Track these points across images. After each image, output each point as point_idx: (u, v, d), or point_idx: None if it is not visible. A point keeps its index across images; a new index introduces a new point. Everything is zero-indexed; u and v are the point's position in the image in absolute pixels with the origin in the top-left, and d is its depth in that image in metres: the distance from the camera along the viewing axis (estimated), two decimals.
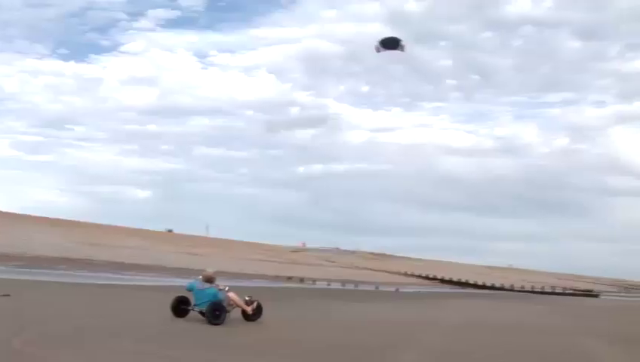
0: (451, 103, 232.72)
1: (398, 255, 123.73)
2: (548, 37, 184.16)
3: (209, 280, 13.41)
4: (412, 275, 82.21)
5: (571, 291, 74.91)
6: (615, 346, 13.86)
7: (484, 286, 69.79)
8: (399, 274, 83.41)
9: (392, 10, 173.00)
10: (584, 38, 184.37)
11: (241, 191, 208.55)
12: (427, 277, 79.43)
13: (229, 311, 13.27)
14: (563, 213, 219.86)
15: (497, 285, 70.52)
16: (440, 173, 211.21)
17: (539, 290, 68.58)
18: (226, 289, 13.52)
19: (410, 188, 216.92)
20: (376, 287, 50.53)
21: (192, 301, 13.35)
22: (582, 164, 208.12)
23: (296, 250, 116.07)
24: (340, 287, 47.77)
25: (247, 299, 13.86)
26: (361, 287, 49.31)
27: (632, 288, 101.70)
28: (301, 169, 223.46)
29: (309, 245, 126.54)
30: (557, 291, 71.43)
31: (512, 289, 66.71)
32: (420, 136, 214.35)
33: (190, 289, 13.47)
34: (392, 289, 49.87)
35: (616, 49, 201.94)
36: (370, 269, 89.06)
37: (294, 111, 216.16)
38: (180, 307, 13.34)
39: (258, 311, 13.97)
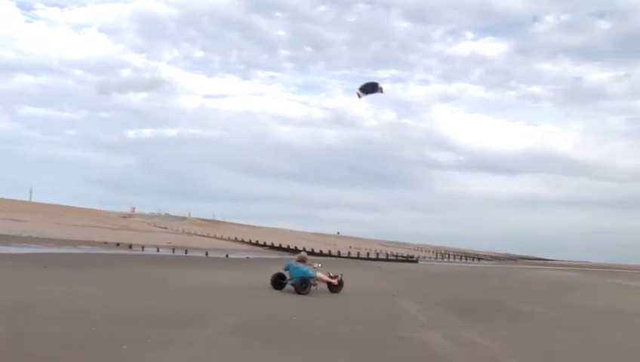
0: (285, 73, 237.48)
1: (229, 221, 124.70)
2: (380, 15, 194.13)
3: (302, 260, 17.74)
4: (242, 241, 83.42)
5: (394, 257, 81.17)
6: (425, 306, 15.56)
7: (312, 253, 72.86)
8: (230, 240, 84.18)
9: None
10: (413, 20, 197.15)
11: (68, 154, 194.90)
12: (257, 244, 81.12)
13: (315, 285, 17.23)
14: (389, 183, 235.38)
15: (325, 251, 74.03)
16: (273, 142, 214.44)
17: (364, 256, 73.35)
18: (319, 266, 18.20)
19: (242, 156, 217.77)
20: (206, 253, 50.69)
21: (288, 276, 17.37)
22: (407, 138, 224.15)
23: (125, 216, 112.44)
24: (170, 254, 47.36)
25: (330, 275, 17.87)
26: (191, 253, 49.20)
27: (448, 254, 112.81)
28: (132, 133, 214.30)
29: (139, 211, 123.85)
30: (381, 257, 76.96)
31: (339, 256, 70.51)
32: (254, 104, 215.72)
33: (287, 268, 17.64)
34: (223, 255, 50.33)
35: (440, 33, 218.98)
36: (201, 235, 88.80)
37: (126, 73, 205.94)
38: (278, 281, 17.56)
39: (340, 284, 17.85)
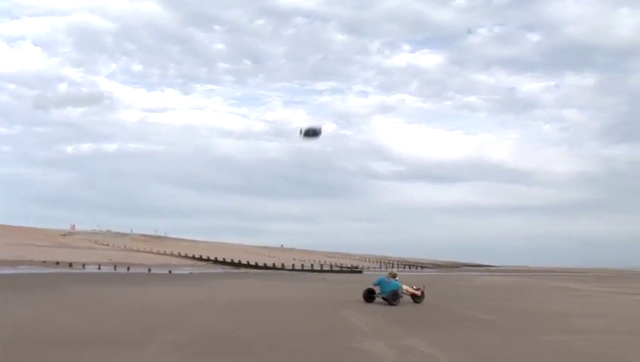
0: (224, 87, 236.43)
1: (172, 236, 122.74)
2: (318, 28, 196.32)
3: (393, 276, 20.49)
4: (186, 256, 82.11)
5: (339, 268, 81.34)
6: (369, 316, 15.66)
7: (256, 266, 72.35)
8: (173, 255, 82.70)
9: None
10: (350, 33, 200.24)
11: (3, 171, 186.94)
12: (200, 258, 79.94)
13: (401, 297, 19.45)
14: (331, 194, 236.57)
15: (270, 264, 73.69)
16: (214, 155, 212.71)
17: (309, 268, 73.28)
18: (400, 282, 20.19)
19: (184, 170, 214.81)
20: (149, 270, 49.67)
21: (377, 291, 19.75)
22: (347, 149, 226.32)
23: (65, 234, 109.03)
24: (112, 271, 46.24)
25: (414, 287, 20.48)
26: (133, 270, 48.12)
27: (392, 263, 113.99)
28: (70, 148, 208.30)
29: (79, 228, 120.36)
30: (326, 268, 76.95)
31: (283, 268, 70.32)
32: (194, 118, 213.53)
33: (378, 283, 20.00)
34: (166, 271, 49.44)
35: (377, 45, 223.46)
36: (144, 251, 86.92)
37: (63, 87, 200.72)
38: (370, 295, 19.96)
39: (422, 295, 20.34)
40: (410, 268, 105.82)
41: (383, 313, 16.65)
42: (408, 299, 19.91)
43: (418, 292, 20.32)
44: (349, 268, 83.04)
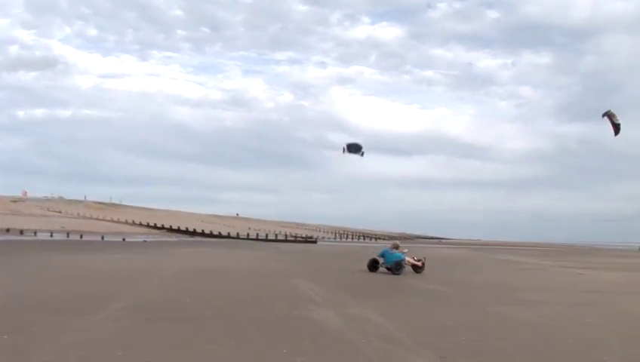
0: (182, 54, 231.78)
1: (126, 204, 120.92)
2: None
3: (396, 247, 21.59)
4: (140, 225, 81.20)
5: (293, 238, 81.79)
6: (321, 285, 15.82)
7: (211, 235, 72.14)
8: (127, 223, 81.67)
9: None
10: (310, 3, 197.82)
11: None
12: (155, 226, 79.22)
13: (404, 268, 20.51)
14: (288, 165, 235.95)
15: (224, 233, 73.48)
16: (170, 123, 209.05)
17: (263, 238, 73.39)
18: (406, 250, 21.90)
19: (140, 137, 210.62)
20: (102, 237, 48.96)
21: (381, 261, 20.88)
22: (305, 120, 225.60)
23: (16, 200, 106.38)
24: (65, 239, 45.38)
25: (415, 259, 21.49)
26: (87, 238, 47.38)
27: (347, 234, 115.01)
28: (22, 113, 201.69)
29: (31, 195, 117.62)
30: (280, 238, 77.26)
31: (238, 238, 70.24)
32: (151, 85, 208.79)
33: (382, 254, 21.13)
34: (120, 239, 48.84)
35: (337, 17, 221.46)
36: (98, 219, 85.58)
37: (14, 50, 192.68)
38: (374, 265, 21.02)
39: (423, 266, 21.19)
40: (364, 238, 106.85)
41: (335, 282, 16.81)
42: (409, 269, 20.88)
43: (419, 263, 21.25)
44: (303, 238, 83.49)
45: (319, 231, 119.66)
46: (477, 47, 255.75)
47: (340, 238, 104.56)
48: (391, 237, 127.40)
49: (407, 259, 21.02)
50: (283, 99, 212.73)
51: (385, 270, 20.59)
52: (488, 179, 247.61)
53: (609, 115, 23.10)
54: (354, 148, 24.84)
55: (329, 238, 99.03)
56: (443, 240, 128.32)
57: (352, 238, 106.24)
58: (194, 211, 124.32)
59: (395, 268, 20.23)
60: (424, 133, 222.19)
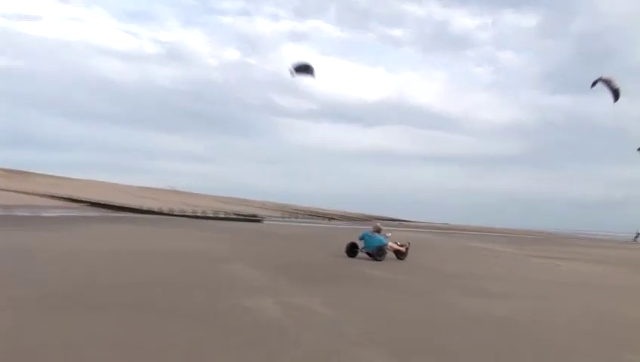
0: None
1: (37, 172, 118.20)
2: None
3: (377, 230, 21.83)
4: (56, 197, 79.58)
5: (235, 216, 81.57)
6: (261, 270, 15.89)
7: (139, 211, 71.29)
8: (39, 195, 79.90)
9: None
10: None
11: None
12: (74, 200, 77.81)
13: (386, 253, 21.09)
14: (230, 131, 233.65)
15: (156, 209, 72.71)
16: (92, 78, 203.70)
17: (201, 215, 73.06)
18: (390, 235, 22.26)
19: (54, 93, 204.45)
20: (10, 212, 47.84)
21: (361, 245, 21.42)
22: (252, 80, 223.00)
23: None
24: None
25: (399, 243, 22.09)
26: None
27: (297, 213, 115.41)
28: None
29: None
30: (221, 216, 77.00)
31: (171, 214, 69.65)
32: (71, 31, 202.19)
33: (362, 237, 21.55)
34: (30, 213, 47.82)
35: None
36: (4, 189, 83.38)
37: None
38: (352, 250, 21.53)
39: (406, 251, 21.96)
40: (316, 218, 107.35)
41: (278, 267, 16.86)
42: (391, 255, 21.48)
43: (403, 249, 21.91)
44: (247, 216, 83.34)
45: (265, 208, 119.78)
46: (453, 3, 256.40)
47: (289, 217, 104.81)
48: (347, 218, 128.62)
49: (389, 243, 21.54)
50: (227, 55, 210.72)
51: (365, 255, 21.12)
52: (459, 155, 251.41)
53: (604, 80, 23.18)
54: (303, 69, 24.14)
55: (276, 217, 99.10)
56: (404, 223, 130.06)
57: (303, 218, 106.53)
58: (120, 182, 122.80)
59: (377, 253, 20.75)
60: (388, 100, 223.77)
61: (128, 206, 73.08)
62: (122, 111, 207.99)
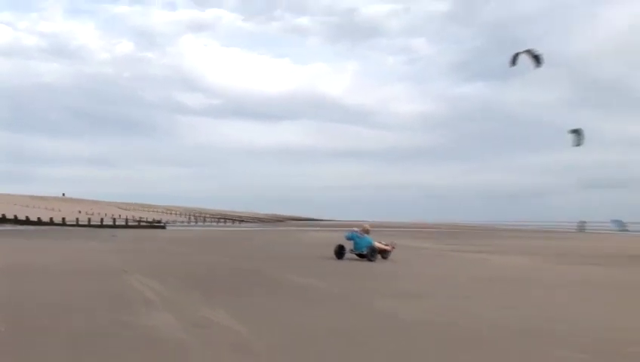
0: None
1: None
2: None
3: (366, 231, 23.39)
4: None
5: (137, 222, 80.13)
6: (162, 282, 15.17)
7: (27, 221, 68.84)
8: None
9: None
10: None
11: None
12: None
13: (377, 253, 22.54)
14: (127, 132, 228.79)
15: (45, 219, 70.24)
16: None
17: (97, 223, 71.10)
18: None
19: None
20: None
21: (349, 247, 22.89)
22: (149, 76, 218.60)
23: None
24: None
25: (383, 243, 23.40)
26: None
27: (204, 217, 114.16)
28: None
29: None
30: (120, 223, 75.30)
31: (63, 224, 67.50)
32: None
33: (351, 238, 23.11)
34: None
35: None
36: None
37: None
38: (341, 251, 22.88)
39: (392, 250, 23.38)
40: (225, 221, 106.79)
41: (180, 278, 16.25)
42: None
43: (389, 248, 23.27)
44: (149, 222, 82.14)
45: (170, 213, 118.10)
46: None
47: (196, 221, 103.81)
48: (258, 219, 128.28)
49: (377, 244, 22.94)
50: (121, 49, 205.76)
51: (354, 256, 22.62)
52: (373, 149, 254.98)
53: (524, 51, 22.99)
54: None
55: (182, 222, 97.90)
56: (320, 222, 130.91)
57: (211, 221, 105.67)
58: (6, 192, 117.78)
59: (371, 253, 22.21)
60: (297, 94, 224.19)
61: (14, 217, 70.17)
62: (1, 112, 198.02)
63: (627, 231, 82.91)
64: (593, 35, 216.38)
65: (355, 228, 24.07)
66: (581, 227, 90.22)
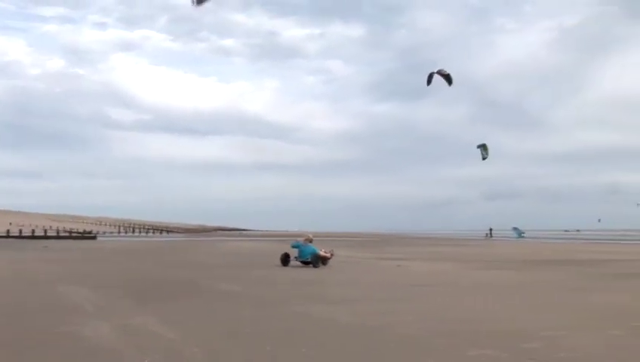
0: None
1: None
2: None
3: (310, 240, 24.79)
4: None
5: (67, 233, 78.70)
6: (94, 291, 15.22)
7: None
8: None
9: None
10: None
11: None
12: None
13: (320, 260, 23.98)
14: (58, 145, 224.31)
15: None
16: None
17: (28, 235, 69.64)
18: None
19: None
20: None
21: (294, 254, 24.27)
22: (80, 92, 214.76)
23: None
24: None
25: (324, 251, 24.74)
26: None
27: (133, 228, 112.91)
28: None
29: None
30: (51, 234, 73.93)
31: None
32: None
33: (296, 246, 24.60)
34: None
35: None
36: None
37: None
38: (286, 259, 24.45)
39: (331, 257, 24.91)
40: (154, 232, 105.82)
41: (113, 287, 16.21)
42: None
43: (328, 255, 24.67)
44: (80, 233, 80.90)
45: (101, 224, 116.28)
46: (282, 14, 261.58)
47: (126, 232, 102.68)
48: (186, 230, 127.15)
49: (320, 252, 24.36)
50: (52, 65, 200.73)
51: (298, 264, 23.92)
52: (296, 163, 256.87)
53: (436, 72, 23.54)
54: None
55: (112, 233, 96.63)
56: (245, 232, 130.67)
57: (140, 232, 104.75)
58: None
59: (315, 261, 23.67)
60: (222, 110, 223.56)
61: None
62: None
63: (524, 237, 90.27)
64: (490, 60, 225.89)
65: (300, 238, 25.49)
66: (489, 234, 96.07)
